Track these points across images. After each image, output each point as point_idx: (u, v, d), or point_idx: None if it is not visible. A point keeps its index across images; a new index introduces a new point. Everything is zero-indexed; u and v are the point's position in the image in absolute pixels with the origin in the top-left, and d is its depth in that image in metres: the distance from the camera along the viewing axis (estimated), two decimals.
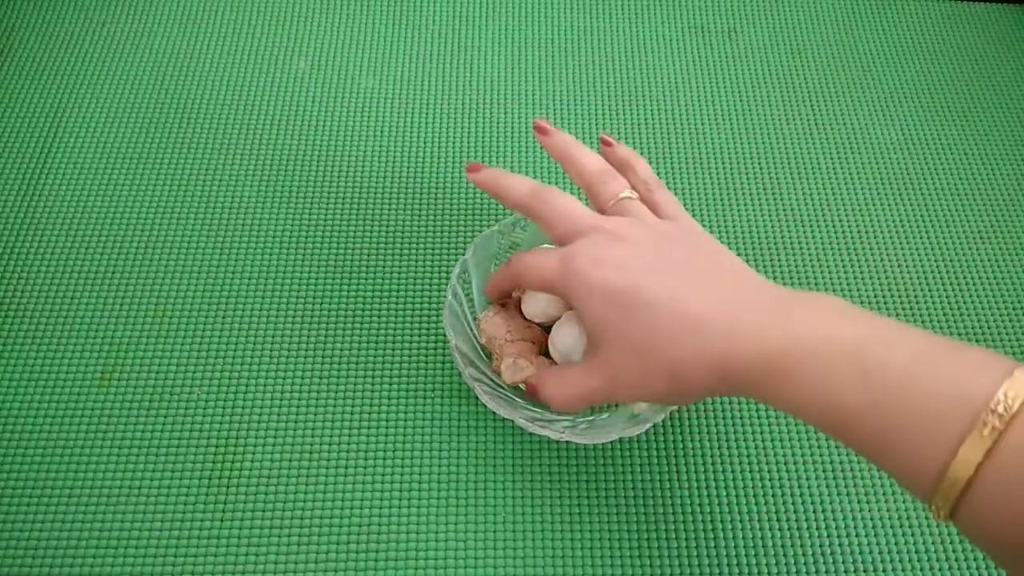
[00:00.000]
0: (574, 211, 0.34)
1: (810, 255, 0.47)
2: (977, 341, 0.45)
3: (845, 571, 0.38)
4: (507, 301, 0.41)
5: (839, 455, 0.41)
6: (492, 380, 0.40)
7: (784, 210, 0.49)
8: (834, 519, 0.39)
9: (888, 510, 0.40)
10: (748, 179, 0.50)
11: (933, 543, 0.39)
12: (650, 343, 0.30)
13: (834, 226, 0.48)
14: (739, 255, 0.45)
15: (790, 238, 0.48)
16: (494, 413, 0.38)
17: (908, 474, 0.25)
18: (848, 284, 0.46)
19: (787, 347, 0.27)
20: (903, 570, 0.38)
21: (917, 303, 0.46)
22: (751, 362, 0.28)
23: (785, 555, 0.38)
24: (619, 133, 0.51)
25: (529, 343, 0.39)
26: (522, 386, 0.38)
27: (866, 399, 0.25)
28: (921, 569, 0.38)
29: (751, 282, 0.32)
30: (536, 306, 0.40)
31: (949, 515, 0.25)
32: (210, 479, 0.39)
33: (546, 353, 0.40)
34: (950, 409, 0.24)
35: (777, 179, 0.50)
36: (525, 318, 0.40)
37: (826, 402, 0.26)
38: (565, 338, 0.38)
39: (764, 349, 0.28)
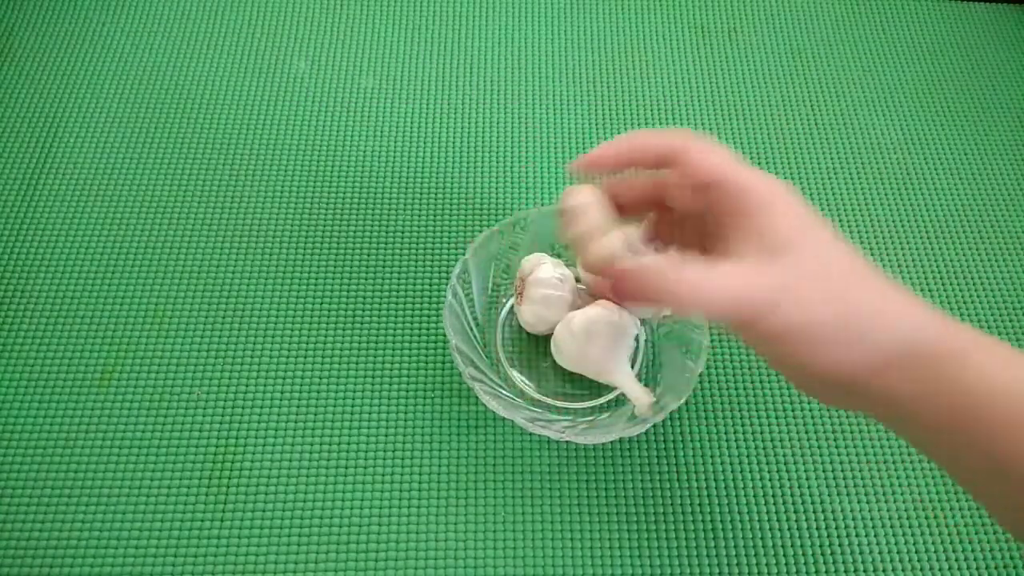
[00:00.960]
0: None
1: None
2: None
3: (845, 571, 0.38)
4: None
5: (839, 455, 0.41)
6: (492, 380, 0.40)
7: None
8: (834, 519, 0.39)
9: (888, 510, 0.40)
10: None
11: (933, 543, 0.39)
12: (850, 273, 0.28)
13: (834, 225, 0.48)
14: None
15: None
16: (494, 413, 0.38)
17: None
18: None
19: (978, 341, 0.27)
20: (903, 570, 0.38)
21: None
22: (939, 335, 0.27)
23: (785, 555, 0.38)
24: (619, 133, 0.51)
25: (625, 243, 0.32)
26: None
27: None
28: (921, 569, 0.38)
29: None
30: (535, 314, 0.40)
31: None
32: (210, 479, 0.39)
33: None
34: None
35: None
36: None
37: (1014, 392, 0.25)
38: (568, 342, 0.38)
39: (951, 328, 0.27)
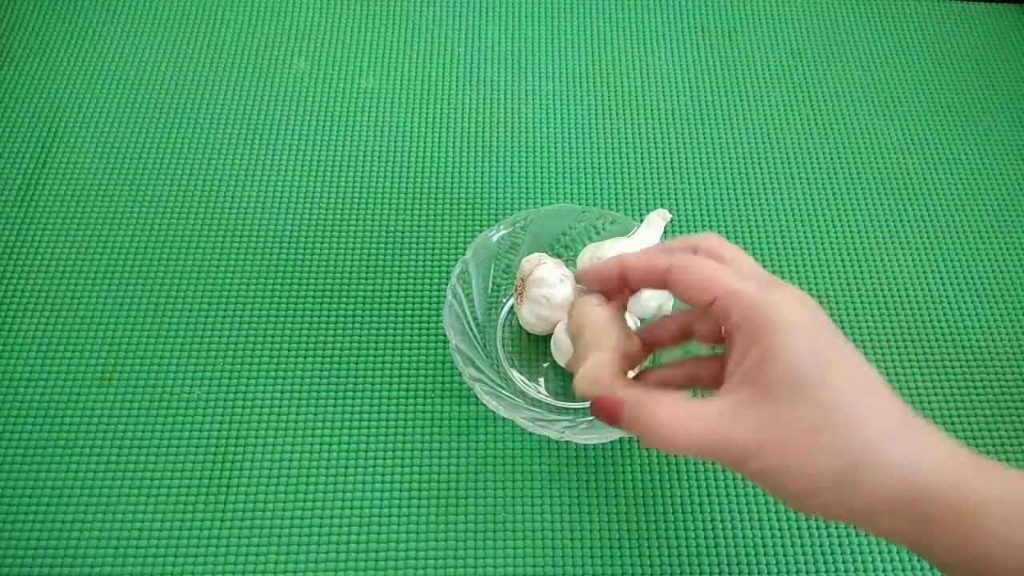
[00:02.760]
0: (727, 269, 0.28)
1: (810, 255, 0.47)
2: (976, 341, 0.45)
3: (845, 571, 0.38)
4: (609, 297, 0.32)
5: None
6: (492, 380, 0.40)
7: (784, 210, 0.49)
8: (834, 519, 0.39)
9: None
10: (748, 179, 0.50)
11: None
12: (836, 426, 0.24)
13: (834, 226, 0.48)
14: None
15: (790, 238, 0.48)
16: (494, 413, 0.38)
17: None
18: (848, 284, 0.46)
19: (972, 494, 0.24)
20: (903, 570, 0.38)
21: (917, 303, 0.46)
22: (929, 501, 0.24)
23: (785, 555, 0.38)
24: (619, 133, 0.51)
25: (626, 361, 0.31)
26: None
27: None
28: (921, 569, 0.38)
29: (914, 414, 0.27)
30: (535, 314, 0.40)
31: None
32: (210, 479, 0.39)
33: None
34: None
35: (777, 179, 0.50)
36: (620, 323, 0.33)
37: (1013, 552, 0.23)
38: (568, 342, 0.38)
39: (948, 487, 0.24)
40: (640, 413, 0.27)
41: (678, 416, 0.26)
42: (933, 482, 0.24)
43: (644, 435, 0.27)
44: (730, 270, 0.27)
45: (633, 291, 0.32)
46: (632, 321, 0.40)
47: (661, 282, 0.29)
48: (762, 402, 0.25)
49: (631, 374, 0.32)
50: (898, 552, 0.38)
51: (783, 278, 0.46)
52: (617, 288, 0.31)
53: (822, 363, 0.25)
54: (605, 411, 0.29)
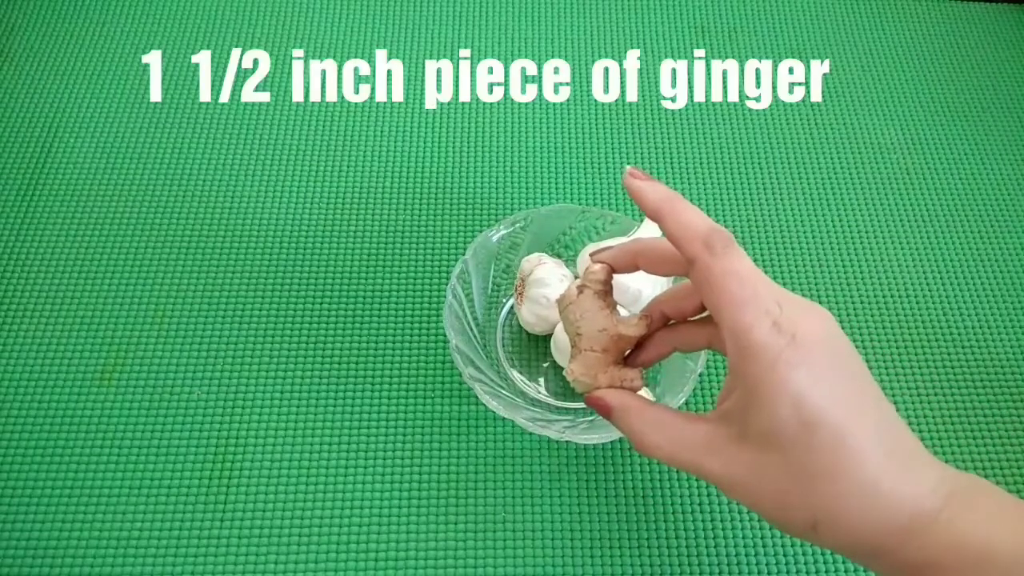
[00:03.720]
0: (758, 280, 0.27)
1: (810, 255, 0.47)
2: (977, 341, 0.45)
3: (845, 571, 0.38)
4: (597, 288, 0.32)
5: None
6: (492, 380, 0.40)
7: (784, 210, 0.49)
8: None
9: None
10: (748, 179, 0.50)
11: None
12: (822, 485, 0.25)
13: (834, 226, 0.48)
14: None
15: (790, 238, 0.48)
16: (494, 413, 0.38)
17: None
18: (848, 284, 0.46)
19: (959, 551, 0.24)
20: None
21: (917, 303, 0.46)
22: (912, 552, 0.25)
23: (785, 555, 0.38)
24: (619, 133, 0.51)
25: (617, 351, 0.32)
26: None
27: None
28: None
29: (914, 443, 0.27)
30: (535, 314, 0.40)
31: None
32: (210, 479, 0.39)
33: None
34: None
35: (777, 179, 0.50)
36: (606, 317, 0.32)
37: None
38: (569, 343, 0.38)
39: (931, 543, 0.24)
40: (627, 422, 0.29)
41: (662, 435, 0.28)
42: (900, 539, 0.25)
43: (630, 439, 0.29)
44: (755, 300, 0.26)
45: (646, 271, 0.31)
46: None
47: (677, 272, 0.29)
48: (741, 443, 0.26)
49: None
50: None
51: (783, 278, 0.46)
52: (628, 270, 0.31)
53: (808, 421, 0.25)
54: (597, 408, 0.31)
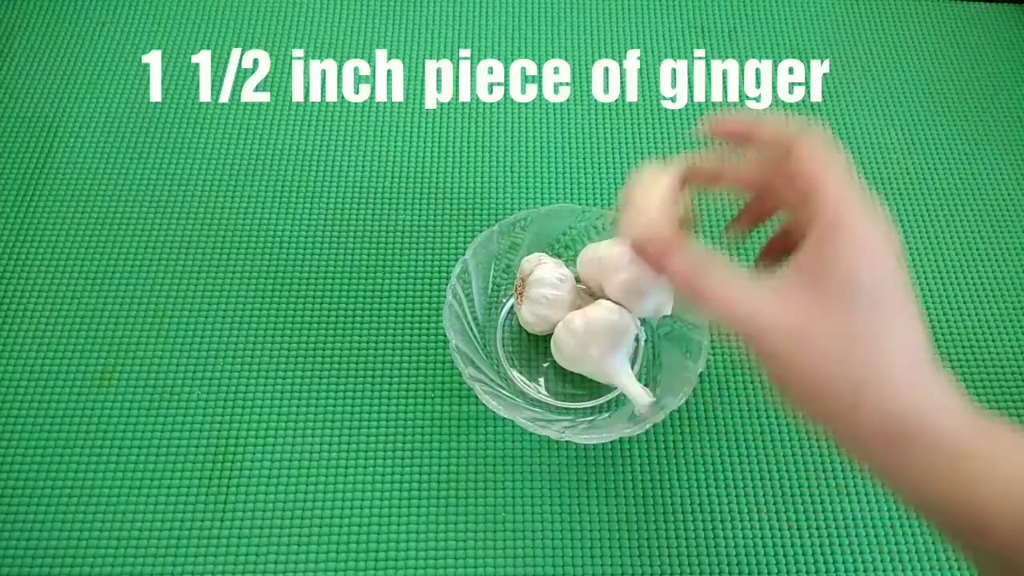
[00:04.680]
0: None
1: None
2: (977, 341, 0.45)
3: (845, 571, 0.38)
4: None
5: (839, 455, 0.41)
6: (492, 380, 0.40)
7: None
8: (834, 519, 0.39)
9: (888, 510, 0.39)
10: None
11: (933, 543, 0.39)
12: (874, 344, 0.25)
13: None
14: (738, 256, 0.45)
15: None
16: (494, 413, 0.38)
17: None
18: None
19: (978, 437, 0.25)
20: (903, 570, 0.38)
21: (917, 303, 0.46)
22: (936, 435, 0.25)
23: (785, 555, 0.38)
24: (619, 133, 0.51)
25: (677, 228, 0.31)
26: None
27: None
28: (921, 569, 0.38)
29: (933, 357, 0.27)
30: (535, 314, 0.40)
31: None
32: (210, 479, 0.39)
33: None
34: None
35: None
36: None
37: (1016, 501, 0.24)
38: (568, 342, 0.38)
39: (956, 426, 0.25)
40: (699, 276, 0.28)
41: (734, 288, 0.27)
42: (936, 421, 0.25)
43: (698, 298, 0.28)
44: (844, 172, 0.28)
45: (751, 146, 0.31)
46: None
47: (779, 147, 0.29)
48: (810, 289, 0.26)
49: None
50: (898, 552, 0.38)
51: None
52: (740, 140, 0.31)
53: (879, 290, 0.26)
54: (654, 253, 0.29)
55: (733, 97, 0.53)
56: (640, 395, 0.37)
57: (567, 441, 0.40)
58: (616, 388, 0.40)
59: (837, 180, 0.27)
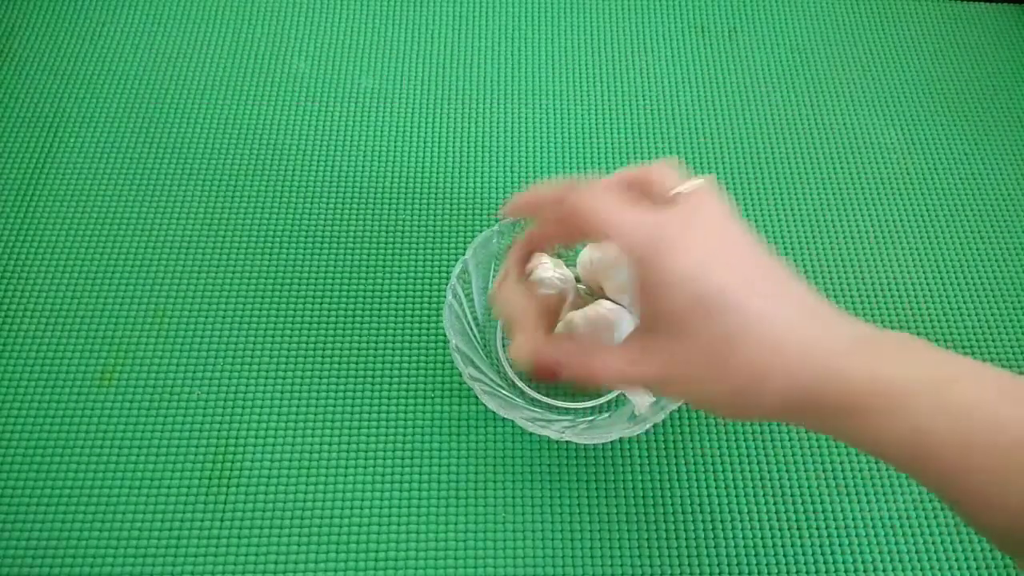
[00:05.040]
0: (624, 204, 0.29)
1: (810, 255, 0.47)
2: (977, 341, 0.45)
3: (845, 571, 0.38)
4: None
5: (839, 455, 0.41)
6: (492, 380, 0.40)
7: (784, 210, 0.49)
8: (834, 519, 0.39)
9: (888, 510, 0.40)
10: (748, 179, 0.50)
11: (933, 543, 0.39)
12: (731, 351, 0.27)
13: (834, 226, 0.48)
14: None
15: (790, 238, 0.48)
16: (494, 413, 0.38)
17: (999, 524, 0.24)
18: (848, 284, 0.46)
19: (876, 384, 0.26)
20: (903, 570, 0.38)
21: (917, 303, 0.46)
22: (833, 393, 0.26)
23: (785, 555, 0.38)
24: (619, 133, 0.51)
25: (548, 320, 0.35)
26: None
27: (955, 440, 0.24)
28: (921, 569, 0.38)
29: (824, 302, 0.29)
30: (549, 283, 0.40)
31: None
32: (210, 479, 0.39)
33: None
34: None
35: (777, 179, 0.50)
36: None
37: (911, 442, 0.25)
38: (584, 324, 0.38)
39: (850, 382, 0.26)
40: (581, 367, 0.30)
41: (611, 365, 0.30)
42: (836, 385, 0.26)
43: (586, 383, 0.31)
44: (618, 202, 0.29)
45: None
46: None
47: (573, 223, 0.31)
48: (656, 344, 0.29)
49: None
50: (898, 553, 0.39)
51: None
52: (530, 212, 0.35)
53: (702, 294, 0.27)
54: (547, 372, 0.31)
55: (733, 97, 0.53)
56: (639, 395, 0.37)
57: (567, 441, 0.40)
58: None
59: (610, 225, 0.29)
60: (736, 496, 0.40)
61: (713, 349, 0.27)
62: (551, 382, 0.32)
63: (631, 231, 0.28)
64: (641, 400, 0.37)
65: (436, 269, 0.45)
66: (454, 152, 0.50)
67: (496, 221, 0.47)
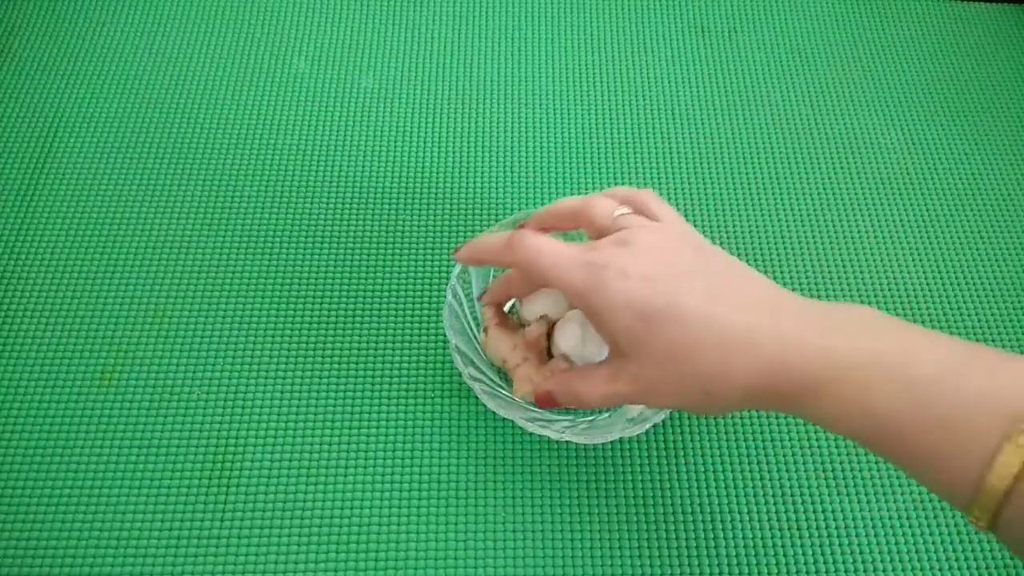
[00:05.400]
0: (558, 247, 0.32)
1: (810, 255, 0.47)
2: (977, 341, 0.45)
3: (845, 571, 0.38)
4: (502, 316, 0.40)
5: (839, 455, 0.41)
6: (492, 380, 0.40)
7: (784, 210, 0.49)
8: (834, 519, 0.39)
9: (888, 510, 0.40)
10: (748, 179, 0.50)
11: (932, 543, 0.39)
12: (682, 358, 0.29)
13: (834, 226, 0.48)
14: (739, 256, 0.45)
15: (790, 238, 0.48)
16: (494, 413, 0.38)
17: (946, 485, 0.25)
18: (848, 284, 0.46)
19: (826, 363, 0.27)
20: (903, 570, 0.38)
21: (917, 303, 0.46)
22: (788, 378, 0.27)
23: (785, 555, 0.38)
24: (619, 133, 0.51)
25: (536, 353, 0.38)
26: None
27: (905, 410, 0.25)
28: (921, 569, 0.38)
29: (772, 289, 0.31)
30: (535, 313, 0.40)
31: (989, 525, 0.24)
32: (210, 479, 0.39)
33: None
34: (986, 418, 0.23)
35: (777, 179, 0.50)
36: (521, 324, 0.40)
37: (864, 416, 0.26)
38: (568, 339, 0.38)
39: (802, 365, 0.27)
40: (569, 394, 0.34)
41: (594, 388, 0.32)
42: (791, 370, 0.27)
43: (580, 406, 0.34)
44: (552, 243, 0.32)
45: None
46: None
47: (523, 273, 0.36)
48: (624, 365, 0.31)
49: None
50: (898, 553, 0.39)
51: (782, 278, 0.46)
52: (477, 262, 0.37)
53: (644, 314, 0.29)
54: (547, 402, 0.35)
55: (733, 97, 0.53)
56: None
57: (567, 441, 0.40)
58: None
59: (547, 272, 0.31)
60: (736, 496, 0.40)
61: (667, 360, 0.29)
62: (556, 407, 0.36)
63: (567, 270, 0.31)
64: (633, 404, 0.37)
65: (436, 269, 0.45)
66: (454, 152, 0.50)
67: (496, 221, 0.47)
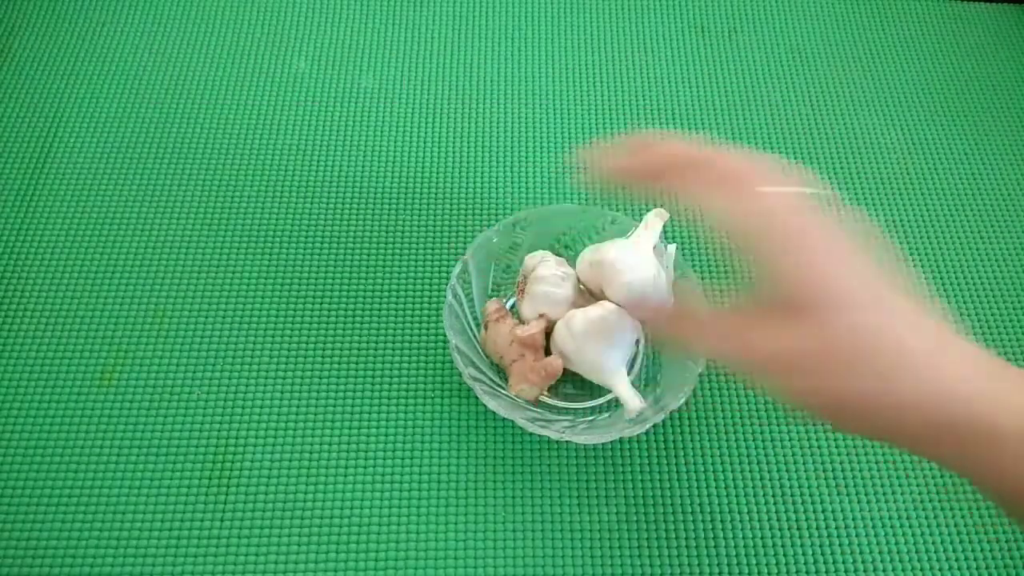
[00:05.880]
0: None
1: None
2: (977, 341, 0.45)
3: (845, 571, 0.38)
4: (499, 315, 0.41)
5: (839, 455, 0.41)
6: (492, 380, 0.40)
7: None
8: (834, 519, 0.39)
9: (888, 510, 0.40)
10: None
11: (932, 543, 0.39)
12: (858, 347, 0.26)
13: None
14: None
15: None
16: (494, 413, 0.38)
17: None
18: None
19: (1010, 422, 0.24)
20: (903, 570, 0.38)
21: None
22: (967, 416, 0.25)
23: (785, 555, 0.38)
24: (618, 132, 0.51)
25: (534, 351, 0.39)
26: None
27: None
28: (921, 569, 0.38)
29: (942, 326, 0.27)
30: (535, 311, 0.40)
31: None
32: (210, 479, 0.39)
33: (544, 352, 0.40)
34: None
35: None
36: (521, 322, 0.40)
37: None
38: (567, 341, 0.38)
39: (991, 409, 0.24)
40: (736, 342, 0.29)
41: (769, 340, 0.28)
42: (971, 407, 0.25)
43: (732, 357, 0.30)
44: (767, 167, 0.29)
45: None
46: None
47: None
48: (795, 322, 0.27)
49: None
50: (898, 553, 0.39)
51: None
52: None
53: (842, 276, 0.27)
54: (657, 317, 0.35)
55: (733, 97, 0.53)
56: (631, 399, 0.37)
57: (567, 441, 0.40)
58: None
59: (760, 180, 0.29)
60: (736, 496, 0.40)
61: (845, 340, 0.26)
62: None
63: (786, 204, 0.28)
64: (632, 403, 0.37)
65: (436, 269, 0.45)
66: (454, 152, 0.50)
67: (496, 221, 0.47)
